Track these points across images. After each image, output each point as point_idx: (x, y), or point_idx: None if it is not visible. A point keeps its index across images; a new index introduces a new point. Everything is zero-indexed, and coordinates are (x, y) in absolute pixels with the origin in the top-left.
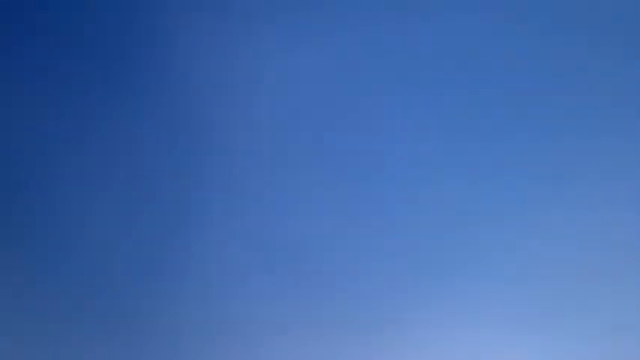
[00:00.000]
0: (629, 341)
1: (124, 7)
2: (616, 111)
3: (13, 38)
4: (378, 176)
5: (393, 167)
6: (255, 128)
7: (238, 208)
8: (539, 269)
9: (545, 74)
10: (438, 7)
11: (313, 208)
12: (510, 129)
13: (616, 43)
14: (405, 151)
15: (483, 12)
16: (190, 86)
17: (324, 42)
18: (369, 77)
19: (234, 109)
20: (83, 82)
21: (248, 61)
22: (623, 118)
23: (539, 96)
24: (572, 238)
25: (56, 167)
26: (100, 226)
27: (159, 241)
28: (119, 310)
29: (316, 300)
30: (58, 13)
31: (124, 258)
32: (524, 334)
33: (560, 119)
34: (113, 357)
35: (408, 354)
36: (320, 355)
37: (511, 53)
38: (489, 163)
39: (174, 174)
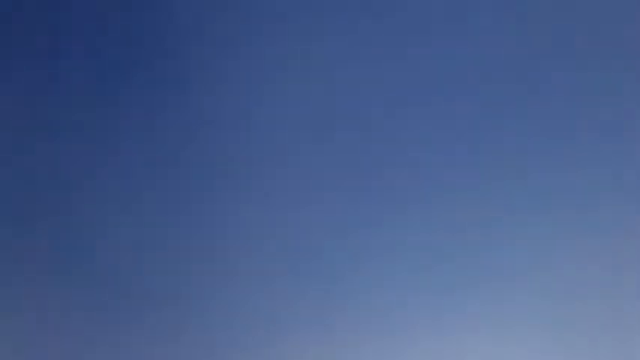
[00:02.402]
0: (630, 342)
1: (124, 8)
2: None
3: (12, 38)
4: (381, 180)
5: (396, 170)
6: (255, 129)
7: (240, 207)
8: (545, 275)
9: (558, 78)
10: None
11: (315, 211)
12: (517, 132)
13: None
14: (408, 153)
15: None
16: (196, 87)
17: (326, 42)
18: (370, 78)
19: (234, 111)
20: (85, 83)
21: (249, 62)
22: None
23: (549, 98)
24: (575, 241)
25: (67, 169)
26: (108, 226)
27: (162, 240)
28: (125, 310)
29: (323, 304)
30: (62, 14)
31: (131, 258)
32: (527, 337)
33: (567, 121)
34: (118, 357)
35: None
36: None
37: (522, 56)
38: (495, 165)
39: (177, 174)
